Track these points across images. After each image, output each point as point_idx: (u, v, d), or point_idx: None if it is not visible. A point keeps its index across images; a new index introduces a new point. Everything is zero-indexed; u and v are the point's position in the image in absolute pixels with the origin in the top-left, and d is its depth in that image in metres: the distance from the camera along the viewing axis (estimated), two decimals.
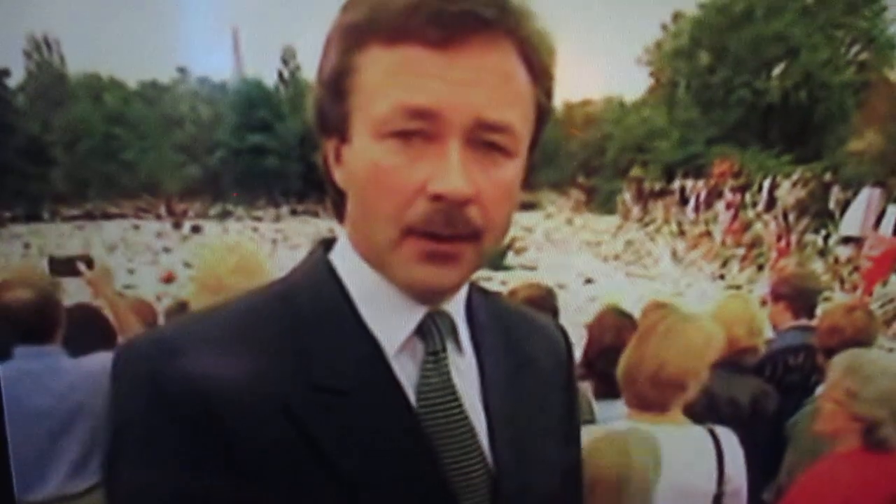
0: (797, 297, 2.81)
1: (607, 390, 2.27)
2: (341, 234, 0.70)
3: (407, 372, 0.65)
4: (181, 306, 4.02)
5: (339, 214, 0.70)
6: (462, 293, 0.71)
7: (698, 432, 1.59)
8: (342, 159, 0.64)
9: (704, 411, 1.89)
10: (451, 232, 0.60)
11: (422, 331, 0.66)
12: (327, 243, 0.71)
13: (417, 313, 0.66)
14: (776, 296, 2.86)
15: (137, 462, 0.57)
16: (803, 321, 2.77)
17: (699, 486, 1.51)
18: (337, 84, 0.61)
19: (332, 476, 0.59)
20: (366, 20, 0.58)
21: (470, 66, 0.57)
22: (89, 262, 2.54)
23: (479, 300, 0.75)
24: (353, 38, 0.59)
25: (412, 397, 0.65)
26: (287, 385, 0.59)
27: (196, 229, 27.27)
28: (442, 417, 0.66)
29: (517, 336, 0.77)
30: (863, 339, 2.36)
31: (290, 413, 0.58)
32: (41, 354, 2.11)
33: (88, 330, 2.44)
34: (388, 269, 0.63)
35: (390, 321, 0.65)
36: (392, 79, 0.57)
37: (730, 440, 1.58)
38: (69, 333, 2.20)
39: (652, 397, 1.61)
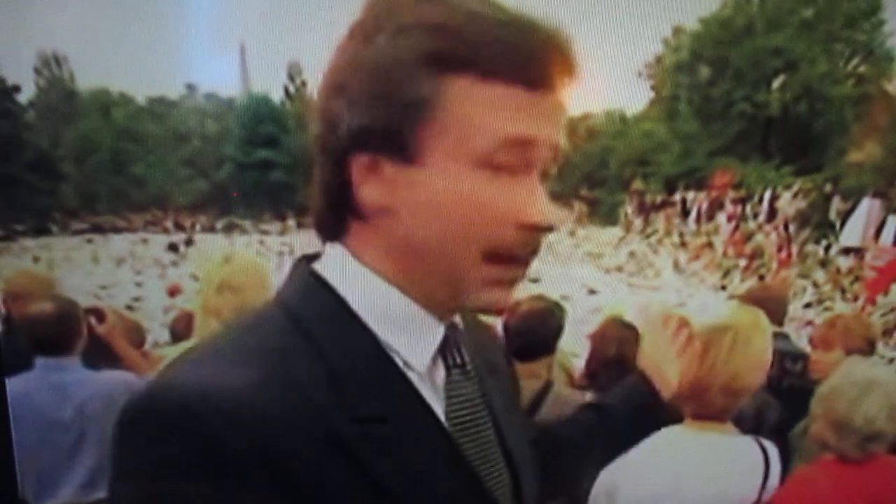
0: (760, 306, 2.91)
1: None
2: (336, 251, 0.66)
3: (425, 386, 0.65)
4: (188, 317, 4.14)
5: (328, 229, 0.67)
6: None
7: (747, 442, 1.58)
8: (385, 177, 0.60)
9: None
10: (529, 257, 0.64)
11: (444, 345, 0.67)
12: (309, 258, 0.68)
13: (440, 329, 0.66)
14: None
15: None
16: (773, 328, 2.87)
17: (745, 494, 1.52)
18: (408, 106, 0.58)
19: (384, 499, 0.58)
20: (455, 52, 0.58)
21: (553, 104, 0.62)
22: (100, 316, 2.49)
23: None
24: (436, 65, 0.58)
25: (440, 411, 0.65)
26: (329, 417, 0.57)
27: (189, 242, 27.18)
28: (473, 429, 0.67)
29: (482, 341, 0.78)
30: (860, 350, 2.41)
31: (336, 443, 0.57)
32: (61, 366, 2.15)
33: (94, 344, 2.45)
34: (455, 290, 0.63)
35: (416, 339, 0.64)
36: (495, 112, 0.59)
37: (773, 451, 1.57)
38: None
39: (720, 406, 1.58)
